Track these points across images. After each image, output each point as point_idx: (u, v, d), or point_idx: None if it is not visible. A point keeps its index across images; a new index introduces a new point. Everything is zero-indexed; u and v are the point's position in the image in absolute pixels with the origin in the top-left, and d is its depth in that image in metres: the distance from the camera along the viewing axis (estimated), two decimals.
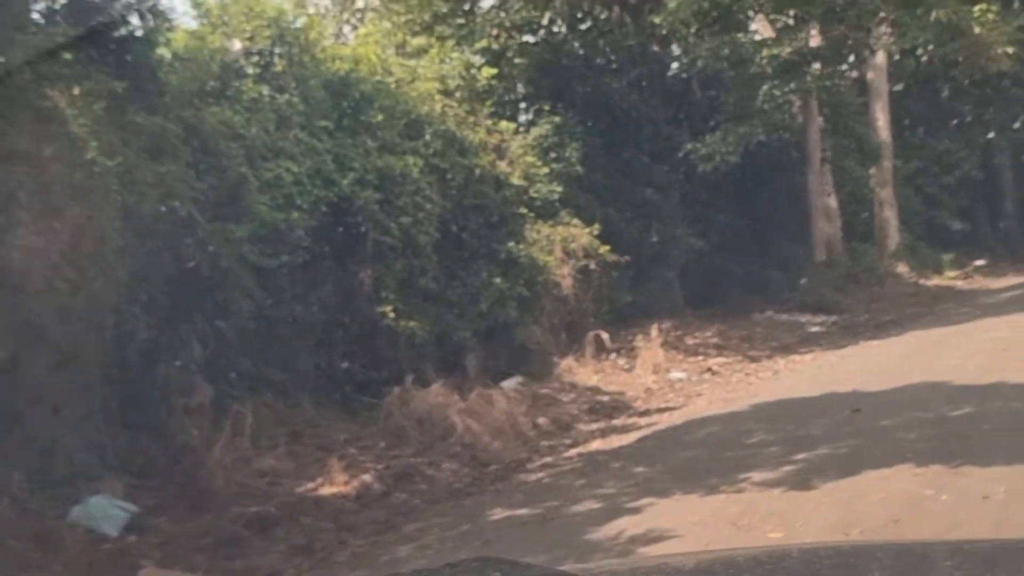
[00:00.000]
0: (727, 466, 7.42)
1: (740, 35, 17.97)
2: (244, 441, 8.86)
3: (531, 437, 11.07)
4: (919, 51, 18.07)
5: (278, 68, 11.44)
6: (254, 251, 10.03)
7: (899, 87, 36.63)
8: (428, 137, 13.20)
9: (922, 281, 25.22)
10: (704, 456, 8.29)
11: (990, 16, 16.02)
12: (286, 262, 10.57)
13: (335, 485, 8.61)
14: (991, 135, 35.82)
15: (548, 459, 9.79)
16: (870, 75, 27.15)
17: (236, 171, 10.08)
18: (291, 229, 10.59)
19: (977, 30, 15.82)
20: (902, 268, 26.04)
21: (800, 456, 7.23)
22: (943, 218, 33.35)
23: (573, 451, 10.07)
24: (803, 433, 8.06)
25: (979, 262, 32.74)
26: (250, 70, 11.29)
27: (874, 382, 9.97)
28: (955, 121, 35.50)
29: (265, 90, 11.08)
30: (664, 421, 10.81)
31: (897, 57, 34.55)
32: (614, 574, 2.23)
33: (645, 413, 11.71)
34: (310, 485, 8.50)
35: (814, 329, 18.07)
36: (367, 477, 8.90)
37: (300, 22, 12.73)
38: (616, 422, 11.50)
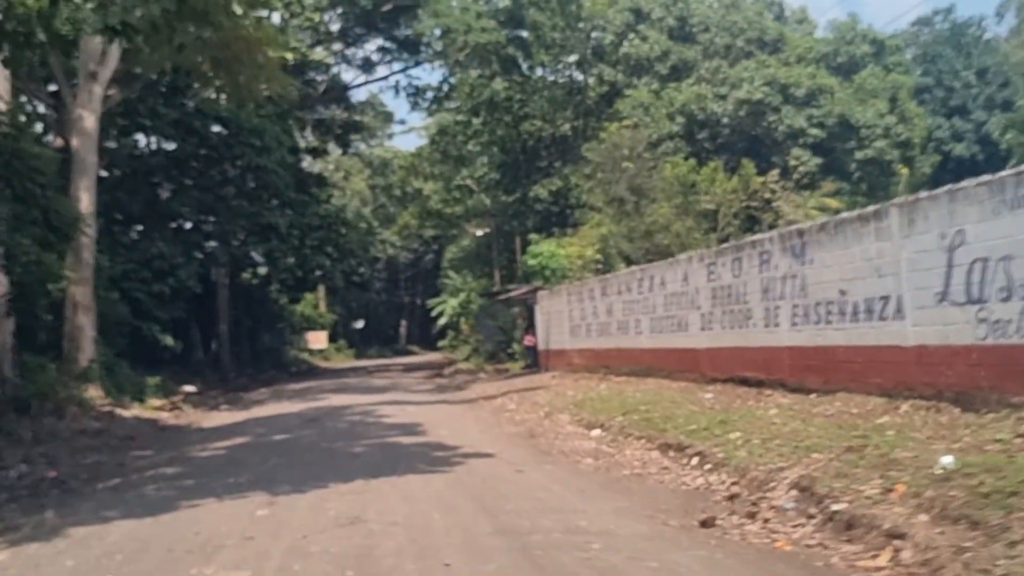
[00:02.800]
0: None
1: None
2: None
3: None
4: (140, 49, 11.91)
5: None
6: None
7: (114, 174, 31.26)
8: None
9: (119, 411, 19.30)
10: None
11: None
12: None
13: None
14: (212, 244, 32.22)
15: None
16: (76, 142, 21.02)
17: None
18: None
19: (244, 19, 10.85)
20: (94, 392, 19.89)
21: None
22: (152, 331, 28.21)
23: None
24: None
25: (189, 388, 28.19)
26: None
27: None
28: (175, 224, 31.17)
29: None
30: None
31: (113, 144, 29.31)
32: None
33: None
34: None
35: None
36: None
37: None
38: None
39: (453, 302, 44.78)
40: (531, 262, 29.07)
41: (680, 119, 34.60)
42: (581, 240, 31.75)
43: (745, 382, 14.01)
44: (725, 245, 15.74)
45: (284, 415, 18.65)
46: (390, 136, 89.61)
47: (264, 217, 30.77)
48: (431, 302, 49.56)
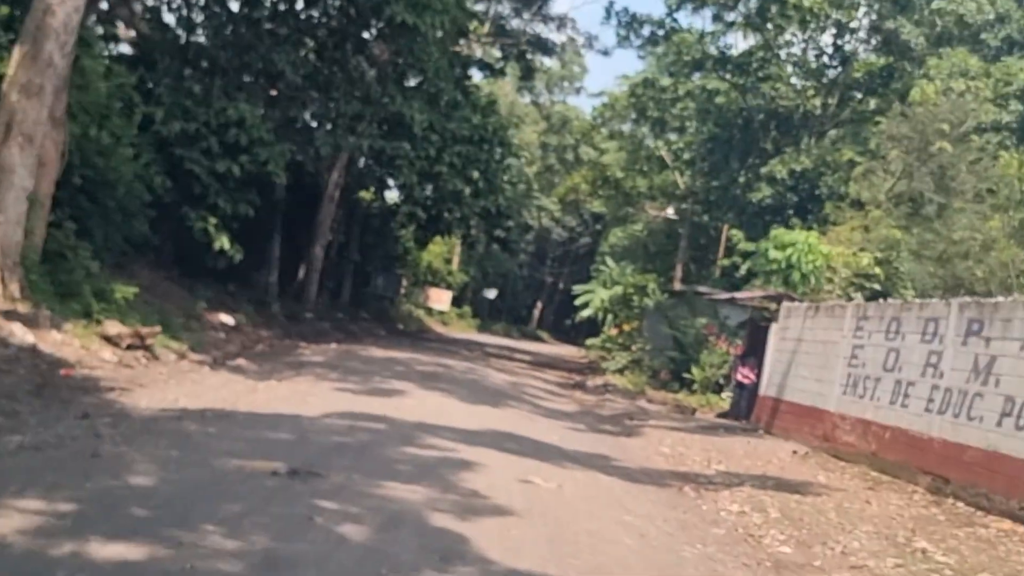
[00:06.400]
0: None
1: None
2: None
3: None
4: None
5: None
6: None
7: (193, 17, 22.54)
8: None
9: (21, 333, 10.31)
10: None
11: None
12: None
13: None
14: (318, 128, 23.19)
15: None
16: None
17: None
18: None
19: None
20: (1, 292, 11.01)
21: None
22: (203, 224, 19.58)
23: None
24: None
25: (226, 318, 19.23)
26: None
27: None
28: (272, 91, 22.13)
29: None
30: None
31: None
32: None
33: None
34: None
35: None
36: None
37: None
38: None
39: (604, 294, 34.45)
40: (773, 254, 18.67)
41: (1016, 106, 23.47)
42: (834, 242, 21.20)
43: None
44: None
45: (289, 420, 9.15)
46: (578, 90, 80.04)
47: (395, 104, 21.31)
48: (576, 288, 39.60)
